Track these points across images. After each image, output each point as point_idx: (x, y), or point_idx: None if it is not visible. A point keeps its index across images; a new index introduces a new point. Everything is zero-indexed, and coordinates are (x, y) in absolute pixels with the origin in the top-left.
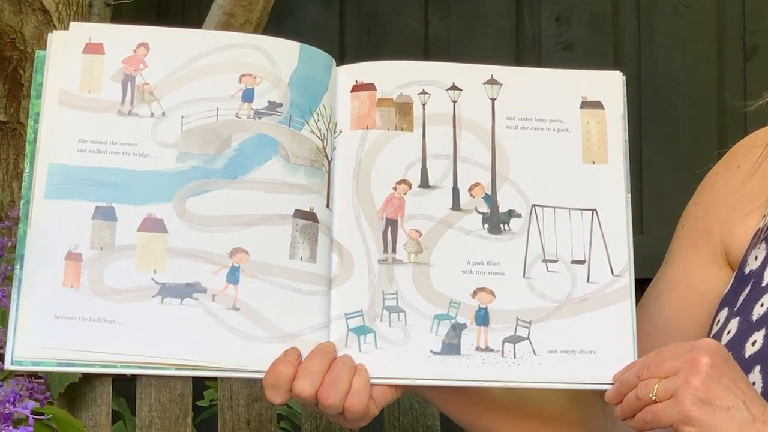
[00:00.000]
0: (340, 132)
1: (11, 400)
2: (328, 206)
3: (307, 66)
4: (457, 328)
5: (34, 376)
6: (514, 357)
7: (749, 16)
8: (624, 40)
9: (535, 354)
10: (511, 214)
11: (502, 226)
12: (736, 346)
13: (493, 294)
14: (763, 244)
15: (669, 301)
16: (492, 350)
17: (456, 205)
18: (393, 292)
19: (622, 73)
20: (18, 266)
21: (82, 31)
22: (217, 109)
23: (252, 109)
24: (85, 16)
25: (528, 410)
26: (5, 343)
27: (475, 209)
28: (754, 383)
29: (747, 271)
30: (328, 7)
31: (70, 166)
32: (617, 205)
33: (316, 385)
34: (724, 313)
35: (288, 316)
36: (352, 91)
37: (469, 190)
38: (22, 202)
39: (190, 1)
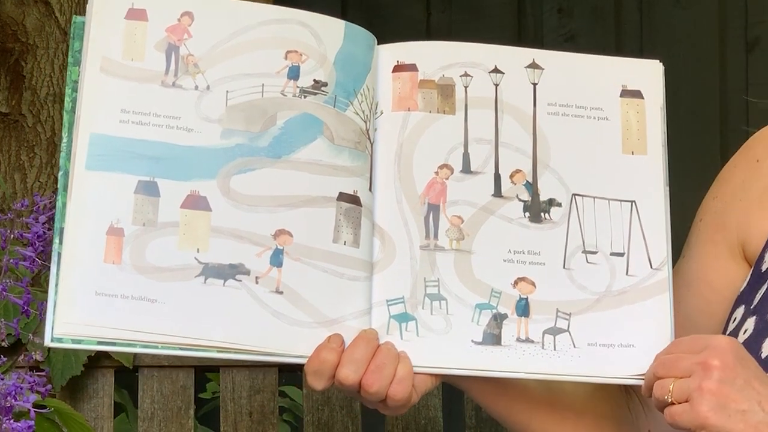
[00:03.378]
0: (381, 113)
1: (12, 393)
2: (370, 189)
3: (352, 45)
4: (498, 318)
5: (35, 369)
6: (555, 349)
7: (751, 8)
8: (626, 31)
9: (575, 347)
10: (551, 202)
11: (542, 214)
12: (752, 345)
13: (533, 284)
14: None
15: (686, 297)
16: (532, 341)
17: (497, 192)
18: (435, 280)
19: (661, 63)
20: (57, 240)
21: None
22: (263, 85)
23: (297, 87)
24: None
25: (560, 402)
26: (7, 335)
27: (516, 197)
28: None
29: (764, 268)
30: None
31: (113, 137)
32: (656, 197)
33: (360, 372)
34: (740, 310)
35: (331, 301)
36: (393, 72)
37: (510, 176)
38: (60, 173)
39: None
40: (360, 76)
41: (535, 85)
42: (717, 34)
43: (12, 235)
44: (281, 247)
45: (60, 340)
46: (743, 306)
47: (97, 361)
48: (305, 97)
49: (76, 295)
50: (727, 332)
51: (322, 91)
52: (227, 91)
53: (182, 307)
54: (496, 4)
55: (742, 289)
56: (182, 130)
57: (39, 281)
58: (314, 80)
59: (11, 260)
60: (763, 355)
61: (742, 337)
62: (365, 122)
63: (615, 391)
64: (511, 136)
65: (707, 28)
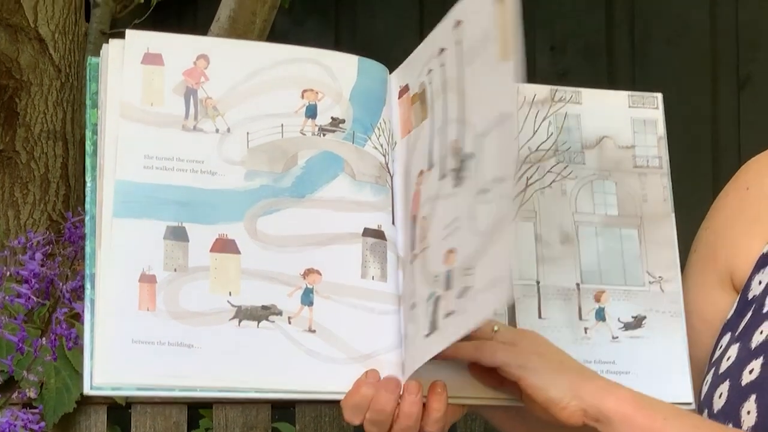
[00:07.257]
0: (395, 143)
1: (6, 430)
2: (393, 222)
3: (366, 80)
4: (437, 301)
5: (29, 405)
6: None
7: (742, 46)
8: (618, 69)
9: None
10: (466, 157)
11: (459, 174)
12: (733, 373)
13: (455, 252)
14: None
15: None
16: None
17: (441, 175)
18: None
19: (661, 95)
20: (89, 286)
21: (139, 40)
22: (282, 125)
23: (316, 125)
24: (81, 45)
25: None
26: (1, 372)
27: (450, 170)
28: (749, 412)
29: (750, 296)
30: (323, 36)
31: (138, 183)
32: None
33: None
34: (726, 338)
35: (363, 337)
36: (398, 98)
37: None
38: (87, 217)
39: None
40: (376, 110)
41: None
42: (709, 72)
43: (8, 273)
44: (311, 286)
45: (100, 388)
46: (729, 333)
47: (89, 397)
48: (324, 135)
49: (114, 344)
50: (713, 359)
51: (340, 128)
52: (248, 133)
53: (219, 351)
54: None
55: (729, 317)
56: (206, 173)
57: (32, 318)
58: (332, 118)
59: (6, 297)
60: (743, 383)
61: (726, 364)
62: (384, 156)
63: None
64: (453, 109)
65: (699, 66)
